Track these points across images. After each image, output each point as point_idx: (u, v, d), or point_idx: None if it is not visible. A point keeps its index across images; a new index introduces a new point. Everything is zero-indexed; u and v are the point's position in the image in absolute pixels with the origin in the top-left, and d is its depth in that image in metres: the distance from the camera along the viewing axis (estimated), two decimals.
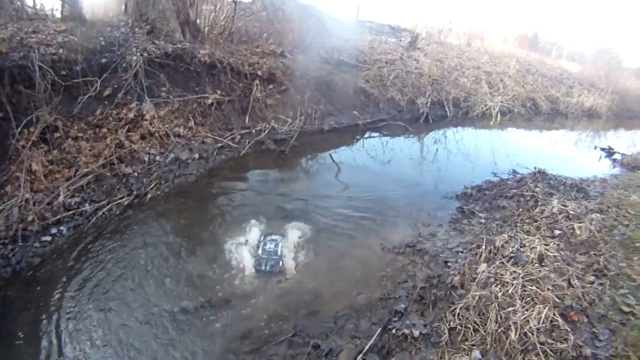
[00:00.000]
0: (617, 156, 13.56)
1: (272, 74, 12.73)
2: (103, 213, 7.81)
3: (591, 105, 18.68)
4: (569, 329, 4.97)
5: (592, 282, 5.88)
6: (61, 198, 7.55)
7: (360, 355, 5.03)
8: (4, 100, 8.09)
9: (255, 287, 6.30)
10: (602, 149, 14.43)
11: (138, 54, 10.21)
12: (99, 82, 9.45)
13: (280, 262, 6.75)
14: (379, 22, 24.93)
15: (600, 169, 12.34)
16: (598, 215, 7.77)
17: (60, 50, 9.18)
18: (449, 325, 5.21)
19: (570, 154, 13.90)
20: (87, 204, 7.80)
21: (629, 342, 4.94)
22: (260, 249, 6.88)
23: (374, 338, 5.27)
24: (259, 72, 12.38)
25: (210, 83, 11.63)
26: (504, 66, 19.58)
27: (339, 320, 5.71)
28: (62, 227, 7.31)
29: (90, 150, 8.63)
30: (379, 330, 5.42)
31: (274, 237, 7.23)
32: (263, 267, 6.59)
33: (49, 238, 7.07)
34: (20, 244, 6.75)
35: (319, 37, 16.05)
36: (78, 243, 7.11)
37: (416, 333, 5.19)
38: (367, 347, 5.14)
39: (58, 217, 7.36)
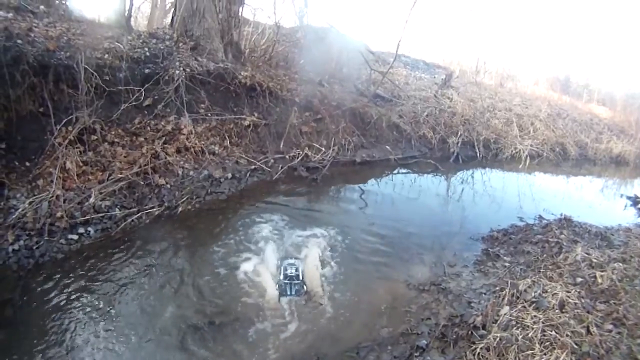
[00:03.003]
0: None
1: (309, 101, 12.97)
2: (132, 220, 8.05)
3: (619, 151, 18.54)
4: None
5: (611, 331, 5.99)
6: (92, 199, 7.81)
7: None
8: (46, 96, 8.34)
9: (279, 311, 6.44)
10: (628, 197, 14.34)
11: (181, 68, 10.51)
12: (142, 91, 9.78)
13: (304, 286, 6.87)
14: (414, 57, 25.14)
15: (626, 217, 12.29)
16: (620, 264, 7.85)
17: (106, 56, 9.53)
18: None
19: (596, 201, 13.88)
20: (117, 209, 8.06)
21: None
22: (282, 274, 6.96)
23: None
24: (297, 99, 12.67)
25: (248, 105, 11.90)
26: (536, 109, 19.58)
27: (361, 351, 5.84)
28: (89, 228, 7.56)
29: (125, 156, 8.89)
30: None
31: (292, 261, 7.33)
32: (288, 293, 6.69)
33: (75, 237, 7.32)
34: (46, 238, 7.00)
35: (356, 69, 16.30)
36: (104, 246, 7.35)
37: None
38: None
39: (87, 217, 7.62)
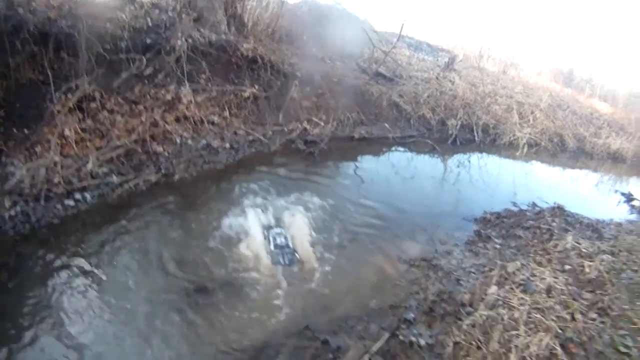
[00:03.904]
0: (636, 203, 13.50)
1: (311, 76, 12.87)
2: (129, 187, 8.09)
3: (617, 148, 18.46)
4: None
5: (594, 319, 6.10)
6: (89, 166, 7.80)
7: (367, 355, 5.26)
8: (46, 64, 8.30)
9: (270, 280, 6.53)
10: (622, 194, 14.39)
11: (183, 39, 10.38)
12: (143, 60, 9.73)
13: (296, 254, 6.99)
14: (418, 39, 25.00)
15: (618, 213, 12.35)
16: (609, 257, 7.98)
17: (108, 25, 9.35)
18: (454, 339, 5.48)
19: (590, 195, 13.94)
20: (114, 176, 8.05)
21: None
22: (271, 243, 7.03)
23: (381, 341, 5.52)
24: (298, 73, 12.58)
25: (249, 77, 11.82)
26: (537, 98, 19.42)
27: (350, 321, 5.95)
28: (86, 194, 7.58)
29: (124, 124, 8.84)
30: (387, 335, 5.66)
31: (279, 230, 7.40)
32: (281, 262, 6.77)
33: (72, 202, 7.35)
34: (43, 204, 7.03)
35: (359, 47, 16.22)
36: (100, 212, 7.40)
37: (422, 342, 5.46)
38: (374, 349, 5.38)
39: (84, 184, 7.64)
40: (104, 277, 6.02)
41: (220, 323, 5.67)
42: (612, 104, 25.31)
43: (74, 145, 8.01)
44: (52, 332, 5.19)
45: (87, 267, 6.14)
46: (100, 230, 6.91)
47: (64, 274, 5.96)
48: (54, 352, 4.98)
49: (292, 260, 6.88)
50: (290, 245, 7.09)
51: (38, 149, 7.65)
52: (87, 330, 5.29)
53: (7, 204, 6.75)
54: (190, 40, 10.61)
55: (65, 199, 7.33)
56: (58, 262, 6.14)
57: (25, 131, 7.87)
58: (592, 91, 26.33)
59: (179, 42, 10.28)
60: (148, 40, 10.10)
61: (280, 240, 7.07)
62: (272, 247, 7.00)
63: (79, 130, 8.22)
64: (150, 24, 10.39)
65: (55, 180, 7.32)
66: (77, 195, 7.49)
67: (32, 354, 4.92)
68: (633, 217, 12.33)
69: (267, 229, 7.46)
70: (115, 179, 8.04)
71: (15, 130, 7.78)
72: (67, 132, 7.99)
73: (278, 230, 7.40)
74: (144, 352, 5.18)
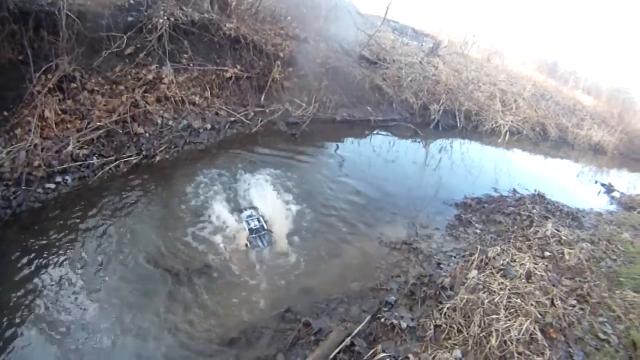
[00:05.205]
0: (616, 194, 13.63)
1: (293, 57, 12.79)
2: (110, 168, 7.98)
3: (599, 140, 18.55)
4: (546, 345, 5.22)
5: (574, 306, 6.13)
6: (70, 148, 7.68)
7: (349, 338, 5.20)
8: (26, 43, 8.16)
9: (249, 262, 6.51)
10: (603, 185, 14.52)
11: (165, 17, 10.27)
12: (124, 39, 9.53)
13: (272, 234, 6.96)
14: (403, 24, 24.90)
15: (598, 203, 12.46)
16: (589, 245, 8.04)
17: (89, 3, 9.24)
18: (435, 322, 5.44)
19: (570, 184, 14.02)
20: (95, 158, 7.96)
21: None
22: (246, 229, 6.94)
23: (363, 324, 5.48)
24: (281, 54, 12.45)
25: (231, 57, 11.70)
26: (520, 87, 19.48)
27: (331, 303, 5.94)
28: (67, 177, 7.49)
29: (104, 105, 8.75)
30: (369, 317, 5.63)
31: (249, 212, 7.34)
32: (260, 244, 6.73)
33: (52, 185, 7.27)
34: (24, 187, 6.92)
35: (343, 29, 16.08)
36: (81, 194, 7.32)
37: (403, 325, 5.41)
38: (355, 331, 5.33)
39: (64, 166, 7.54)
40: (85, 260, 5.98)
41: (201, 308, 5.63)
42: (596, 97, 25.47)
43: (54, 127, 7.93)
44: (35, 317, 5.13)
45: (69, 251, 6.08)
46: (81, 214, 6.84)
47: (46, 259, 5.89)
48: (39, 337, 4.94)
49: (270, 240, 6.84)
50: (265, 227, 7.02)
51: (18, 131, 7.55)
52: (69, 313, 5.24)
53: None
54: (172, 19, 10.47)
55: (46, 183, 7.26)
56: (40, 247, 6.07)
57: (5, 113, 7.75)
58: (575, 83, 26.51)
59: (161, 21, 10.13)
60: (129, 19, 9.99)
61: (254, 224, 6.99)
62: (247, 230, 6.91)
63: (59, 111, 8.13)
64: (132, 1, 10.34)
65: (36, 163, 7.23)
66: (58, 178, 7.42)
67: (14, 340, 4.86)
68: (613, 207, 12.41)
69: (243, 211, 7.39)
70: (95, 160, 7.93)
71: None
72: (47, 113, 7.89)
73: (254, 212, 7.33)
74: (125, 338, 5.12)
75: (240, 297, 5.85)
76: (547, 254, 7.48)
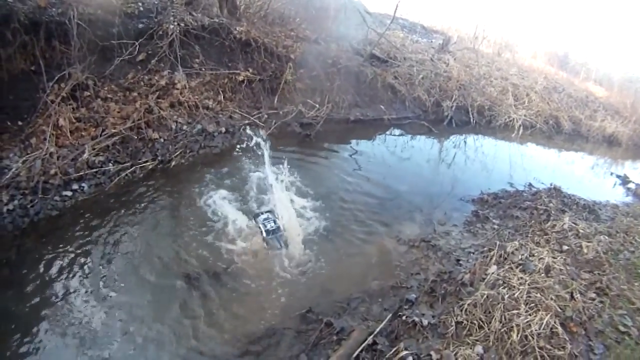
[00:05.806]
0: (631, 185, 13.54)
1: (305, 58, 12.77)
2: (126, 175, 8.03)
3: (613, 131, 18.42)
4: (567, 338, 5.25)
5: (594, 299, 6.14)
6: (85, 155, 7.73)
7: (371, 336, 5.24)
8: (38, 54, 8.22)
9: (269, 264, 6.52)
10: (618, 177, 14.43)
11: (175, 23, 10.35)
12: (136, 46, 9.64)
13: (288, 236, 6.95)
14: (412, 21, 24.83)
15: (614, 195, 12.41)
16: (606, 237, 8.03)
17: (99, 11, 9.31)
18: (456, 319, 5.46)
19: (585, 177, 13.98)
20: (111, 164, 8.00)
21: (621, 359, 5.21)
22: (263, 231, 6.87)
23: (384, 322, 5.51)
24: (292, 55, 12.48)
25: (243, 60, 11.73)
26: (532, 81, 19.40)
27: (352, 302, 5.97)
28: (83, 184, 7.53)
29: (118, 112, 8.79)
30: (390, 315, 5.66)
31: (265, 215, 7.24)
32: (278, 245, 6.70)
33: (69, 193, 7.30)
34: (40, 196, 6.96)
35: (353, 29, 16.10)
36: (98, 201, 7.36)
37: (425, 322, 5.44)
38: (377, 329, 5.36)
39: (81, 173, 7.57)
40: (104, 267, 6.00)
41: (221, 311, 5.64)
42: (607, 87, 25.20)
43: (69, 135, 7.95)
44: (54, 326, 5.14)
45: (88, 258, 6.11)
46: (98, 221, 6.86)
47: (65, 267, 5.91)
48: (57, 346, 4.94)
49: (287, 242, 6.85)
50: (282, 228, 6.96)
51: (33, 140, 7.59)
52: (89, 323, 5.24)
53: (5, 198, 6.69)
54: (182, 24, 10.53)
55: (62, 190, 7.28)
56: (59, 255, 6.10)
57: (20, 123, 7.81)
58: (587, 75, 26.28)
59: (172, 27, 10.21)
60: (140, 25, 10.03)
61: (270, 225, 6.91)
62: (264, 232, 6.85)
63: (74, 120, 8.17)
64: (141, 8, 10.37)
65: (52, 171, 7.27)
66: (75, 186, 7.45)
67: (35, 349, 4.87)
68: (629, 199, 12.36)
69: (260, 214, 7.31)
70: (111, 167, 7.98)
71: (9, 122, 7.71)
72: (61, 122, 7.94)
73: (270, 215, 7.25)
74: (145, 345, 5.12)
75: (260, 300, 5.89)
76: (565, 247, 7.48)
